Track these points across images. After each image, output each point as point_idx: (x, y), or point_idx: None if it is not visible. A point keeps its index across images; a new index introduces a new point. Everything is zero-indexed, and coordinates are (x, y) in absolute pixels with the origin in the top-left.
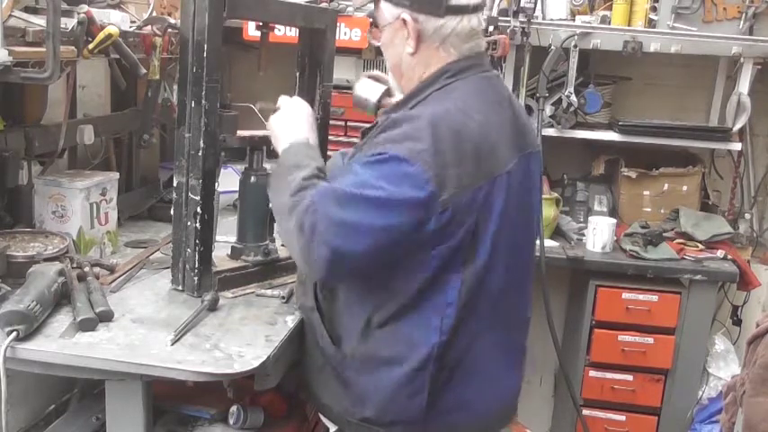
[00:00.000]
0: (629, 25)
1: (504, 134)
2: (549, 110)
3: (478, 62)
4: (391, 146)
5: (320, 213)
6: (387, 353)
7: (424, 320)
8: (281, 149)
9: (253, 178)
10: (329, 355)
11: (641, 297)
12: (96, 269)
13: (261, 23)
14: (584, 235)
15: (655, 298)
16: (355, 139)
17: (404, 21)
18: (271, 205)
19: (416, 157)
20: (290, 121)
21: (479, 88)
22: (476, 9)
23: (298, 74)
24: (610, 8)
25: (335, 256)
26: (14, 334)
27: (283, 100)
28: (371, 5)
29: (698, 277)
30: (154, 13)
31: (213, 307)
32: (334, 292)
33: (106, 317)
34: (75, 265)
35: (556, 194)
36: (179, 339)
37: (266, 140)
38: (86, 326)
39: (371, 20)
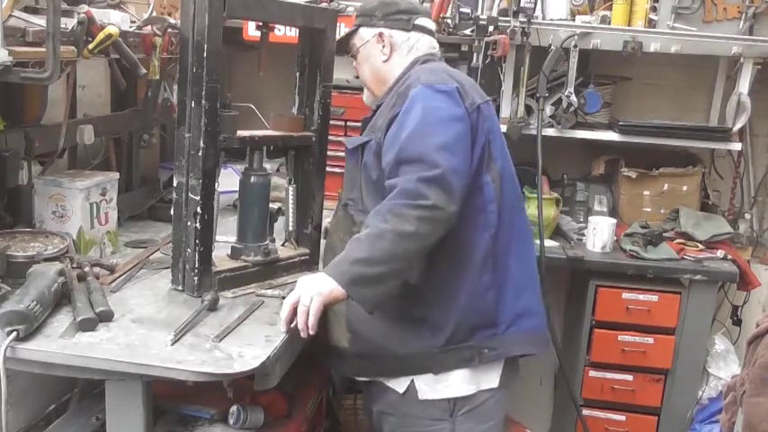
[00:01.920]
0: (629, 25)
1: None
2: (549, 110)
3: (435, 57)
4: (414, 86)
5: (414, 164)
6: (452, 264)
7: (474, 222)
8: (333, 275)
9: (253, 178)
10: (400, 305)
11: (641, 297)
12: (96, 269)
13: (261, 23)
14: (584, 235)
15: (655, 298)
16: None
17: (380, 35)
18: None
19: (439, 79)
20: (308, 281)
21: (445, 64)
22: (432, 33)
23: (298, 74)
24: (610, 8)
25: (452, 174)
26: (14, 334)
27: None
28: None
29: (698, 277)
30: (154, 13)
31: (213, 307)
32: None
33: (106, 317)
34: (75, 265)
35: (556, 194)
36: (179, 339)
37: (266, 140)
38: (86, 326)
39: (350, 53)
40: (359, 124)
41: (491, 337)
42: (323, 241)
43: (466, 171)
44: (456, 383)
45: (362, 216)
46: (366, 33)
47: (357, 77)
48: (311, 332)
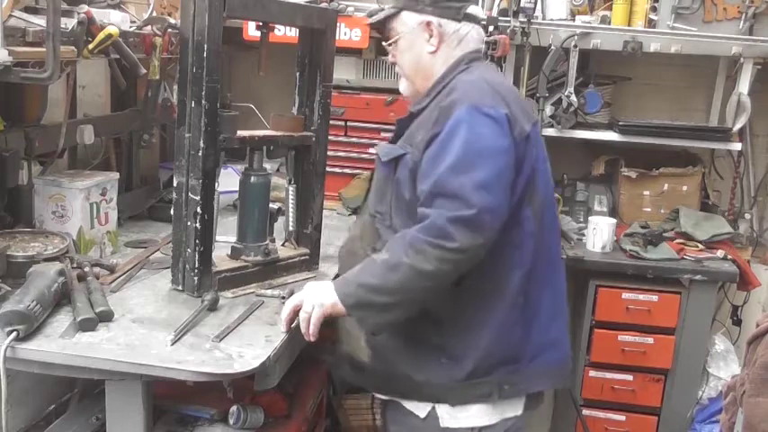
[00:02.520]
0: (629, 25)
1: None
2: (549, 110)
3: (481, 55)
4: (459, 104)
5: (449, 199)
6: (480, 299)
7: (508, 258)
8: (339, 293)
9: (253, 178)
10: (420, 330)
11: (641, 297)
12: (96, 269)
13: (261, 23)
14: (584, 235)
15: (655, 298)
16: (355, 139)
17: (428, 24)
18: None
19: (488, 101)
20: (315, 288)
21: (491, 68)
22: (480, 22)
23: (298, 74)
24: (610, 8)
25: (487, 214)
26: (14, 334)
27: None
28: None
29: (698, 277)
30: (154, 13)
31: (213, 307)
32: None
33: (106, 317)
34: (75, 265)
35: (556, 194)
36: (179, 339)
37: (266, 140)
38: (86, 326)
39: (389, 36)
40: (359, 124)
41: (513, 371)
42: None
43: (503, 209)
44: (477, 414)
45: (389, 233)
46: (410, 19)
47: (394, 64)
48: (312, 339)
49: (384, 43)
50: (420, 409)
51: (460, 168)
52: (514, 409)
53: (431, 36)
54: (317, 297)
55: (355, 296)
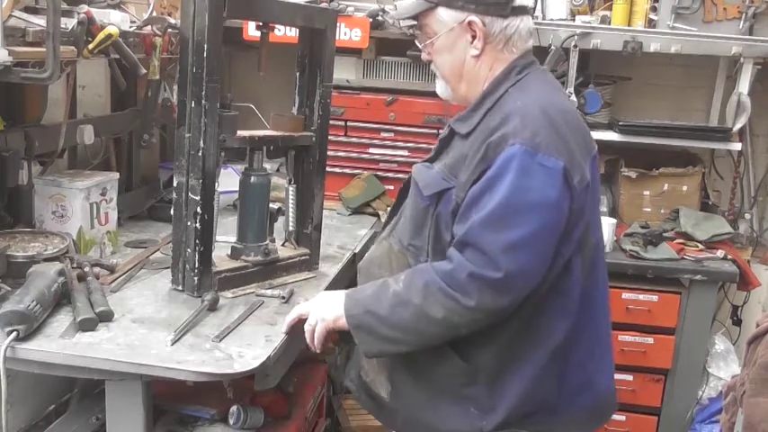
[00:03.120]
0: (629, 25)
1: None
2: None
3: (533, 59)
4: (512, 140)
5: (478, 254)
6: (524, 349)
7: (553, 308)
8: (346, 312)
9: (253, 178)
10: (449, 380)
11: (641, 297)
12: (96, 269)
13: (261, 23)
14: None
15: (655, 298)
16: (355, 139)
17: (470, 23)
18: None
19: (546, 141)
20: (323, 299)
21: (547, 80)
22: (530, 11)
23: (298, 74)
24: (610, 8)
25: (515, 279)
26: (14, 334)
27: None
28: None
29: (698, 277)
30: (154, 13)
31: (213, 307)
32: None
33: (106, 317)
34: (75, 265)
35: None
36: (179, 339)
37: (266, 140)
38: (86, 326)
39: (423, 33)
40: (359, 124)
41: (545, 421)
42: (321, 236)
43: (538, 269)
44: None
45: None
46: (448, 17)
47: (429, 62)
48: (317, 351)
49: (418, 43)
50: None
51: (495, 224)
52: None
53: (474, 38)
54: (321, 311)
55: (359, 319)
